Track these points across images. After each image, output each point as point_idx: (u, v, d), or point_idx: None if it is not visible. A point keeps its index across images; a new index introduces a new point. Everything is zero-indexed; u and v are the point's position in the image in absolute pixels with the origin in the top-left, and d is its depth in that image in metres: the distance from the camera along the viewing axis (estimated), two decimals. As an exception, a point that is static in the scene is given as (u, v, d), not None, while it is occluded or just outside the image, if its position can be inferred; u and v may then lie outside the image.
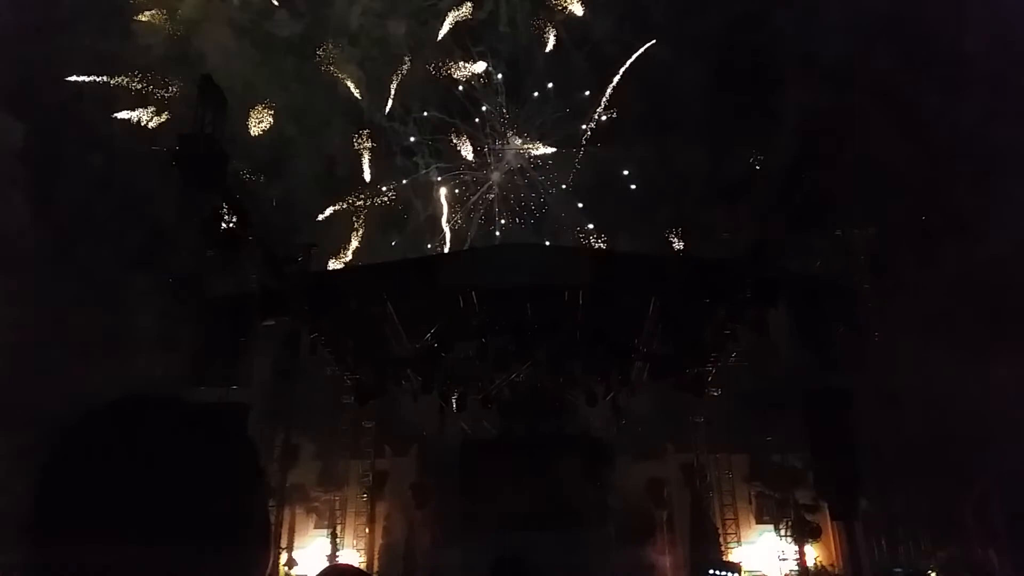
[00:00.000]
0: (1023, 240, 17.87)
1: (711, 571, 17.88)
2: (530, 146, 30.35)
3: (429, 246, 29.12)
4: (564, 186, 30.47)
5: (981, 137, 19.84)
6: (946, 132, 20.95)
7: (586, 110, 30.70)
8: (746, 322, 18.50)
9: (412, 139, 30.48)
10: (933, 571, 21.35)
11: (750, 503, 25.45)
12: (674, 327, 19.65)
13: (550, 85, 30.33)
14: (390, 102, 29.33)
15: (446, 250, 29.40)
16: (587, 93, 30.58)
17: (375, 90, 29.12)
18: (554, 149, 30.55)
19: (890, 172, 19.71)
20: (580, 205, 30.32)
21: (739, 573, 19.72)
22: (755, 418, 23.01)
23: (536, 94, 30.26)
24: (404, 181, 30.19)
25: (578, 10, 30.08)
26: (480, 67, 29.59)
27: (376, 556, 24.66)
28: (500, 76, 30.21)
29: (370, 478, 24.57)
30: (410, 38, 29.01)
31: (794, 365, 19.15)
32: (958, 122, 20.50)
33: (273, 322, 18.72)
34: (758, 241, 17.32)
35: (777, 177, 16.91)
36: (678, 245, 27.24)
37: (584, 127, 30.38)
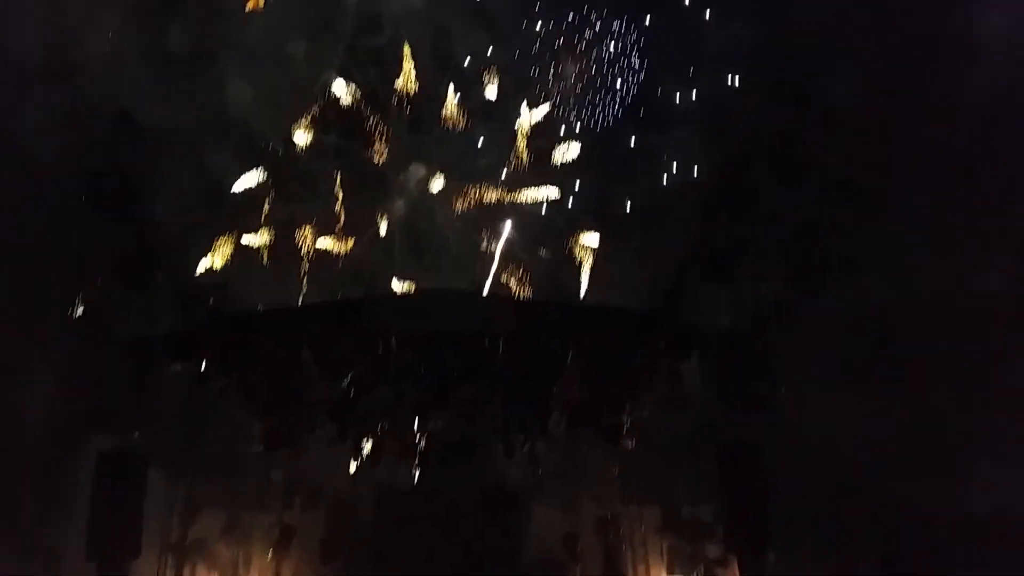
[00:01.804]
0: (908, 280, 18.81)
1: None
2: (430, 177, 29.52)
3: (332, 284, 27.87)
4: (458, 221, 29.70)
5: (857, 180, 20.99)
6: (822, 175, 22.02)
7: (487, 144, 30.21)
8: (660, 373, 18.83)
9: (309, 164, 29.23)
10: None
11: (662, 556, 25.53)
12: (591, 376, 19.82)
13: (451, 119, 29.51)
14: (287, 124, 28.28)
15: (335, 284, 28.11)
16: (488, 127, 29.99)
17: (272, 111, 28.11)
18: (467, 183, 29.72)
19: (778, 218, 20.38)
20: (484, 244, 29.51)
21: None
22: (668, 470, 23.25)
23: (465, 119, 29.38)
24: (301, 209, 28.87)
25: (491, 93, 30.02)
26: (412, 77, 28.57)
27: (280, 616, 23.61)
28: (403, 103, 29.40)
29: (277, 533, 23.64)
30: (310, 59, 28.19)
31: (706, 417, 19.52)
32: (833, 165, 21.60)
33: (180, 366, 18.10)
34: (671, 291, 17.81)
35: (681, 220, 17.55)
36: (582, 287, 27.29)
37: (483, 161, 29.85)
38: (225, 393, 18.40)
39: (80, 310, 16.86)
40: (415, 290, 27.66)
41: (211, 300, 17.91)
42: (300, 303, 24.16)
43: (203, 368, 17.62)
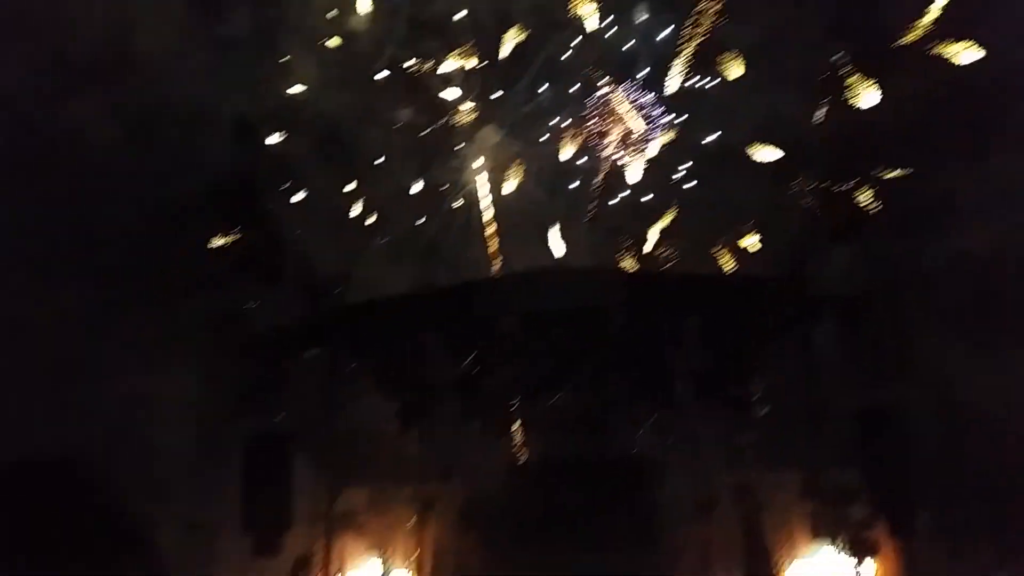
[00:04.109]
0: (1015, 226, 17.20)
1: None
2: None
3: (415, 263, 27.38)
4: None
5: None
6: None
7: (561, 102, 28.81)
8: (791, 339, 18.16)
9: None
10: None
11: (804, 521, 24.79)
12: (717, 344, 19.37)
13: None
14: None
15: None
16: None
17: (339, 91, 27.77)
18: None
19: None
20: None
21: None
22: (806, 435, 22.45)
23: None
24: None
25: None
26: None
27: (427, 578, 24.62)
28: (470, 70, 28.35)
29: (417, 504, 24.55)
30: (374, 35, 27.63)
31: (843, 380, 18.72)
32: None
33: (314, 352, 19.03)
34: (797, 256, 17.05)
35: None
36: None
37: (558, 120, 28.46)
38: (356, 376, 19.21)
39: (217, 305, 17.91)
40: (531, 270, 27.16)
41: (336, 290, 18.62)
42: (425, 290, 24.15)
43: (333, 354, 18.44)
